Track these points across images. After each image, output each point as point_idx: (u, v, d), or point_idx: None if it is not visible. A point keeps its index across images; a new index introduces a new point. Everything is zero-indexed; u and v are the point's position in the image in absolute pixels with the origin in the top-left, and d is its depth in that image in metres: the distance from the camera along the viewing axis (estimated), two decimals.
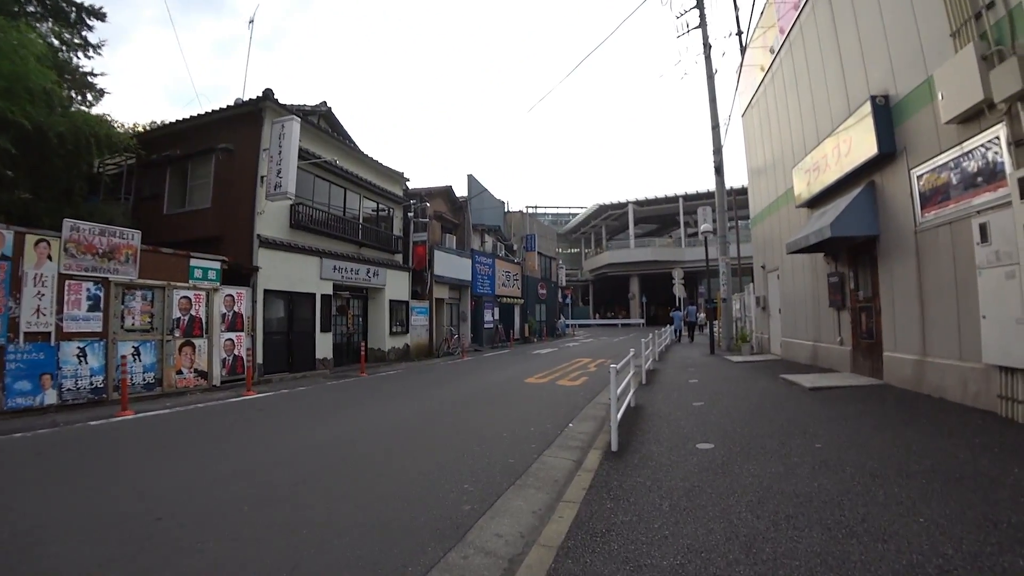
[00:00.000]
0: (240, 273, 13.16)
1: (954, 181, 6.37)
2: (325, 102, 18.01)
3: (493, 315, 27.05)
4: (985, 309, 5.72)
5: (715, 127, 15.11)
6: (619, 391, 5.52)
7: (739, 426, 5.90)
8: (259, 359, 13.21)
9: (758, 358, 12.71)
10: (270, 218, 13.94)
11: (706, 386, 8.82)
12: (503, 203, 32.73)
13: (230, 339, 12.54)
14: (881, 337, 7.97)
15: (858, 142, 8.01)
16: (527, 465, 5.04)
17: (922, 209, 6.96)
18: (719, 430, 5.76)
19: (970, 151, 6.11)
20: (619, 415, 5.42)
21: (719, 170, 14.99)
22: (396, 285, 19.04)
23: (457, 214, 24.78)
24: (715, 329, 15.91)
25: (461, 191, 25.58)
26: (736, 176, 48.40)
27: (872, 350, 8.26)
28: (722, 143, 15.04)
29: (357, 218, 17.81)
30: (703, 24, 15.84)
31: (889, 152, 7.46)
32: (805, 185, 10.15)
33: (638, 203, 45.83)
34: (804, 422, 5.88)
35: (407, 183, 20.99)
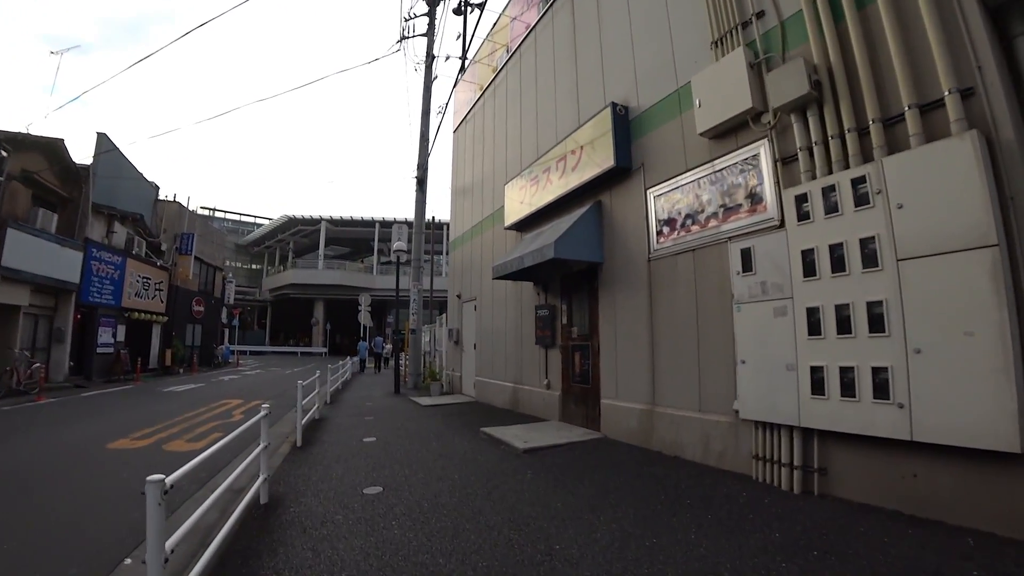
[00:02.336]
0: None
1: (702, 202, 5.28)
2: None
3: (115, 336, 19.02)
4: (745, 352, 4.49)
5: (424, 136, 13.18)
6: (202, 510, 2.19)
7: (439, 548, 3.20)
8: None
9: (449, 400, 10.68)
10: None
11: (387, 449, 5.98)
12: (155, 187, 24.40)
13: None
14: (599, 382, 6.58)
15: (590, 155, 6.71)
16: None
17: (659, 234, 5.80)
18: (406, 565, 2.95)
19: (723, 169, 5.08)
20: None
21: (422, 184, 13.01)
22: None
23: (70, 186, 16.74)
24: (401, 363, 13.52)
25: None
26: (435, 208, 48.30)
27: (587, 396, 6.85)
28: (428, 156, 13.19)
29: None
30: (431, 32, 14.01)
31: (625, 167, 6.25)
32: (518, 203, 8.69)
33: (332, 221, 41.25)
34: (541, 527, 3.55)
35: None
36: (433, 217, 20.93)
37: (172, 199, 25.36)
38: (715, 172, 5.16)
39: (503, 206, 9.47)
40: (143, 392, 14.29)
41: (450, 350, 12.76)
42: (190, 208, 26.32)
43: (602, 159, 6.46)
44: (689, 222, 5.41)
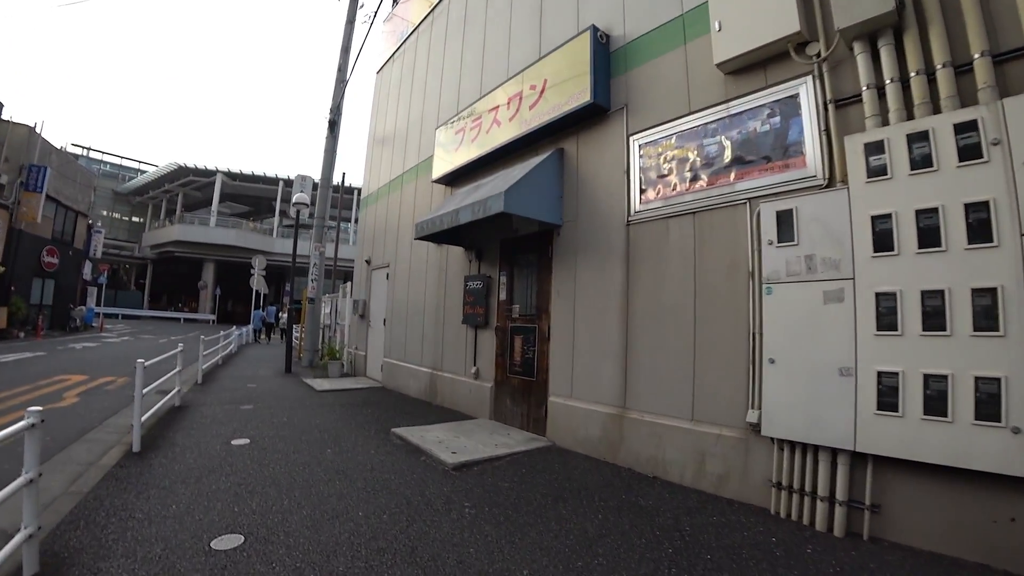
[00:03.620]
0: None
1: (708, 154, 4.05)
2: None
3: None
4: (775, 348, 3.30)
5: (341, 70, 10.94)
6: None
7: None
8: None
9: (351, 384, 8.81)
10: None
11: (261, 460, 4.12)
12: None
13: None
14: (547, 375, 5.22)
15: (556, 91, 5.26)
16: None
17: (643, 192, 4.50)
18: None
19: (743, 112, 3.87)
20: None
21: (334, 127, 10.81)
22: None
23: None
24: (296, 335, 11.34)
25: None
26: (346, 170, 41.97)
27: (530, 391, 5.46)
28: (343, 94, 10.99)
29: None
30: None
31: (603, 106, 4.88)
32: (452, 151, 7.05)
33: (230, 175, 35.43)
34: None
35: None
36: (344, 175, 18.43)
37: (22, 123, 20.03)
38: (731, 116, 3.93)
39: (432, 156, 7.76)
40: None
41: (354, 325, 10.80)
42: (43, 135, 20.84)
43: (573, 95, 5.03)
44: (689, 178, 4.15)
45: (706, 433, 3.71)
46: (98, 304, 28.11)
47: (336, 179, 15.98)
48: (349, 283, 11.79)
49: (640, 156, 4.57)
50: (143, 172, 44.53)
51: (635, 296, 4.40)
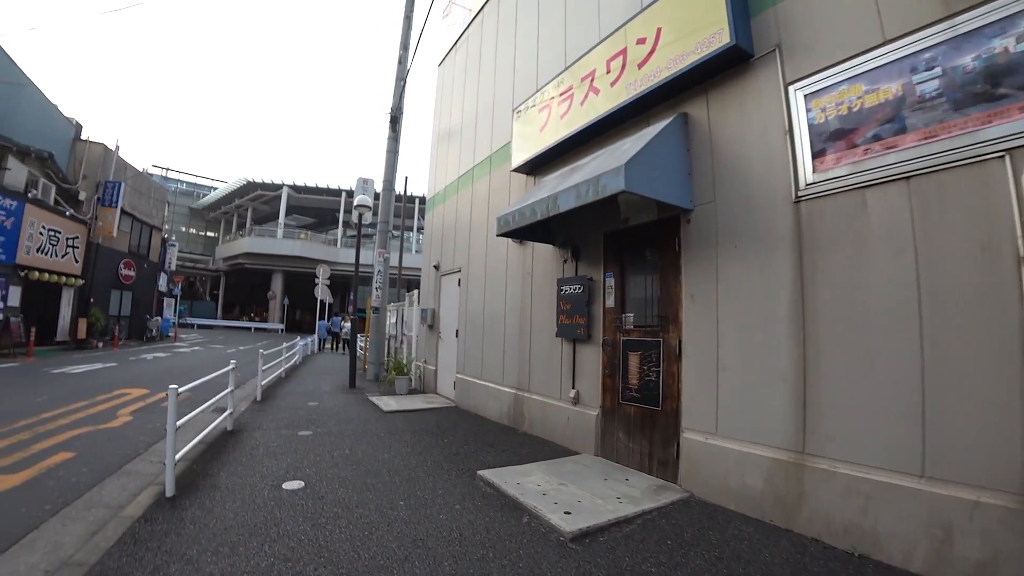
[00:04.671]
0: None
1: (921, 95, 2.93)
2: None
3: (4, 299, 15.44)
4: None
5: (401, 63, 10.45)
6: None
7: None
8: None
9: (420, 403, 8.12)
10: None
11: (317, 517, 3.30)
12: (75, 125, 20.28)
13: None
14: (679, 402, 4.20)
15: (674, 39, 4.29)
16: None
17: (817, 157, 3.42)
18: None
19: (981, 29, 2.75)
20: None
21: (395, 124, 10.28)
22: None
23: None
24: (360, 346, 10.87)
25: None
26: (406, 174, 43.08)
27: (652, 424, 4.46)
28: (404, 87, 10.48)
29: None
30: None
31: (746, 51, 3.85)
32: (537, 131, 6.20)
33: (295, 188, 37.32)
34: None
35: None
36: (407, 179, 18.13)
37: (98, 142, 21.34)
38: (959, 37, 2.81)
39: (508, 143, 6.96)
40: (23, 373, 11.05)
41: (423, 336, 10.17)
42: (119, 153, 22.12)
43: (702, 41, 4.03)
44: (894, 130, 3.05)
45: (950, 498, 2.59)
46: (174, 314, 29.67)
47: (399, 185, 15.65)
48: (416, 291, 11.22)
49: (808, 110, 3.51)
50: (215, 189, 47.61)
51: (814, 298, 3.33)
